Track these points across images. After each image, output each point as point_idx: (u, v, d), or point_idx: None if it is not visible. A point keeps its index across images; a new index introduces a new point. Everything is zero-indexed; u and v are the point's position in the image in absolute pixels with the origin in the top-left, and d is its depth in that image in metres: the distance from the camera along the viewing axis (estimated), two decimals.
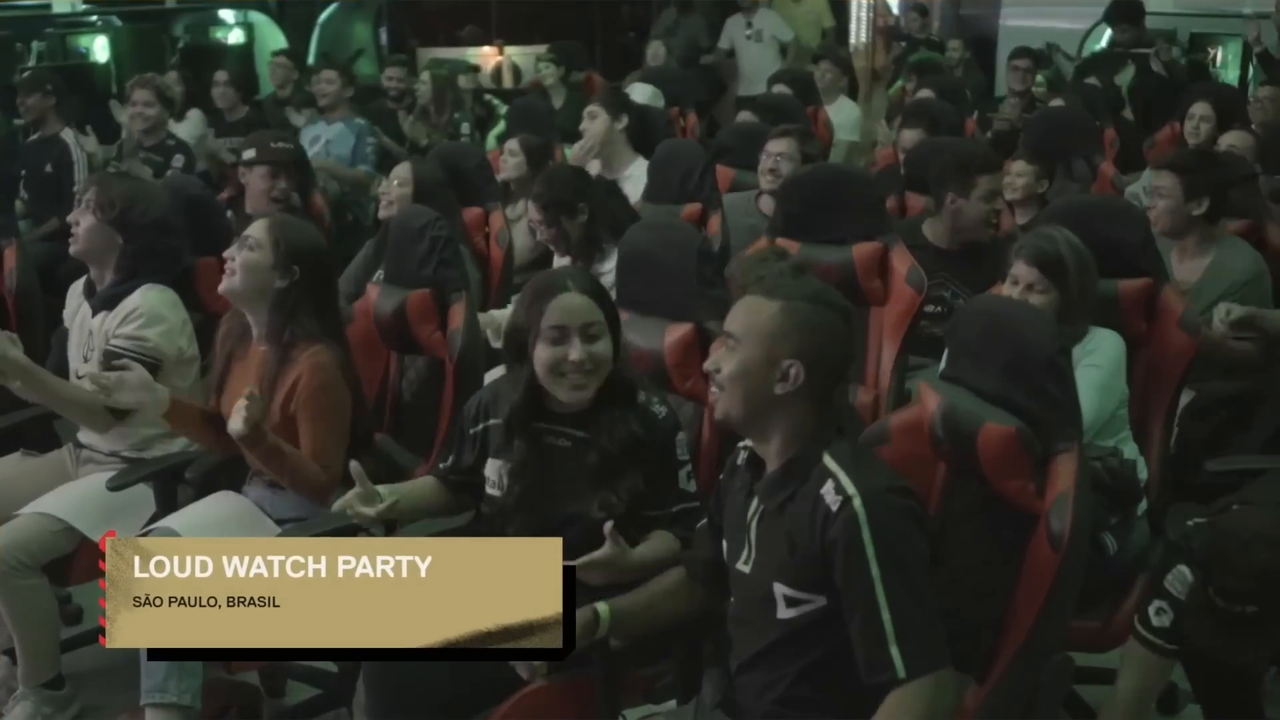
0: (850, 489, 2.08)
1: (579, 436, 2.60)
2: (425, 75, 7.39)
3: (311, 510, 3.04)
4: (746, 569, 2.23)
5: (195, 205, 3.99)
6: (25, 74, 6.95)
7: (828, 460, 2.13)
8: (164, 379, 3.21)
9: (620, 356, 2.64)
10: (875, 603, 2.04)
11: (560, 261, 4.18)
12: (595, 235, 4.03)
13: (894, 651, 2.03)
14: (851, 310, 2.29)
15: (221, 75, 7.12)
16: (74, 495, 3.23)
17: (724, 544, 2.33)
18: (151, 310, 3.35)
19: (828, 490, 2.10)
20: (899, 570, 2.04)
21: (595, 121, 5.18)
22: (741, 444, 2.35)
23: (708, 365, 2.27)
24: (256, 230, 3.12)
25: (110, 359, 3.24)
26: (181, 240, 3.54)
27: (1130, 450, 3.11)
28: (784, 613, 2.15)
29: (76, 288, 3.60)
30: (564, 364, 2.55)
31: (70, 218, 3.46)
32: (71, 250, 3.45)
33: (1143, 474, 3.11)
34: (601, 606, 2.33)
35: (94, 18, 9.82)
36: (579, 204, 4.04)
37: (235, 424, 2.87)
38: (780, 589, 2.15)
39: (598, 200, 4.09)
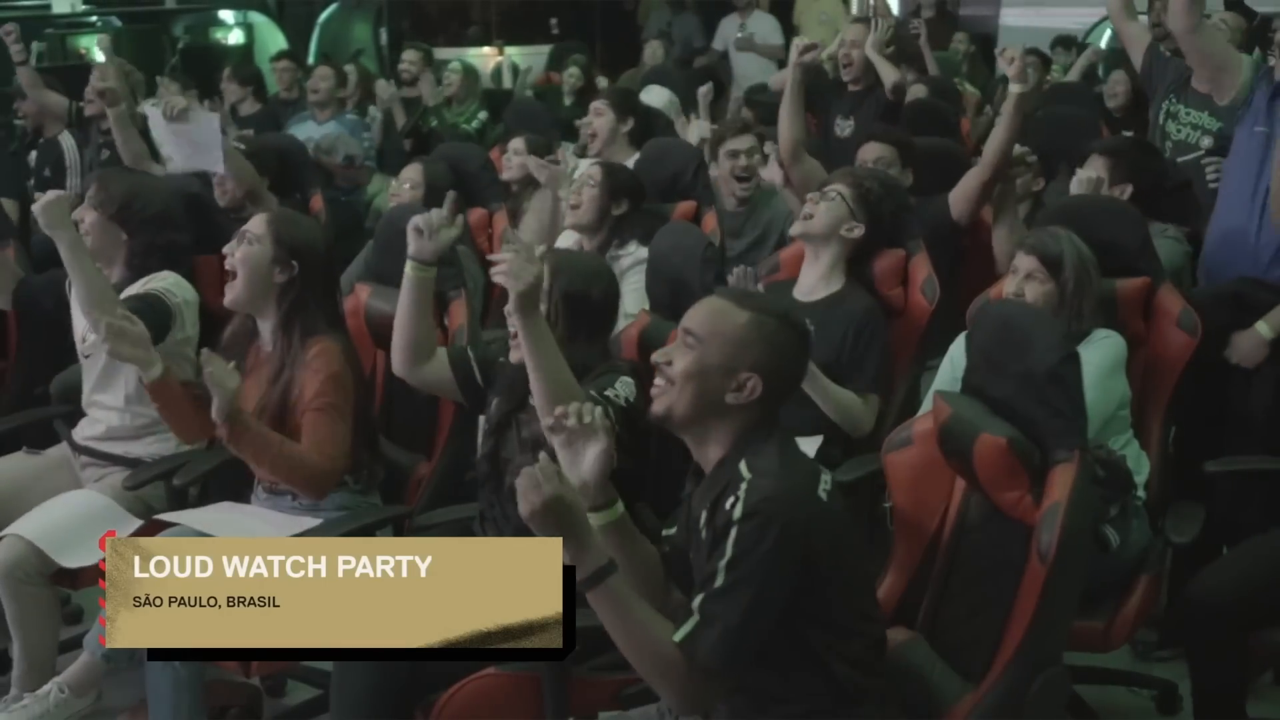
0: (742, 491, 2.08)
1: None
2: (456, 64, 7.48)
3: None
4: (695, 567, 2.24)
5: (193, 204, 3.99)
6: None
7: (742, 466, 2.14)
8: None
9: (581, 342, 2.76)
10: (711, 581, 2.06)
11: (575, 241, 4.23)
12: (620, 228, 4.10)
13: (690, 621, 2.06)
14: (811, 335, 2.32)
15: (227, 72, 7.18)
16: (50, 517, 3.21)
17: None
18: (177, 282, 3.42)
19: (733, 494, 2.10)
20: (741, 567, 2.04)
21: (601, 119, 5.14)
22: None
23: (657, 356, 2.25)
24: (255, 225, 3.13)
25: (141, 298, 3.28)
26: (184, 233, 3.55)
27: (1133, 450, 3.12)
28: None
29: None
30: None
31: (75, 215, 3.46)
32: None
33: (1144, 473, 3.12)
34: None
35: (94, 18, 9.84)
36: (625, 198, 4.11)
37: (214, 407, 2.88)
38: None
39: (637, 201, 4.18)
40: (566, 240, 4.29)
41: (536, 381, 2.57)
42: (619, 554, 2.21)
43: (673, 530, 2.37)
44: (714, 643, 2.05)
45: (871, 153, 4.42)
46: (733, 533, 2.06)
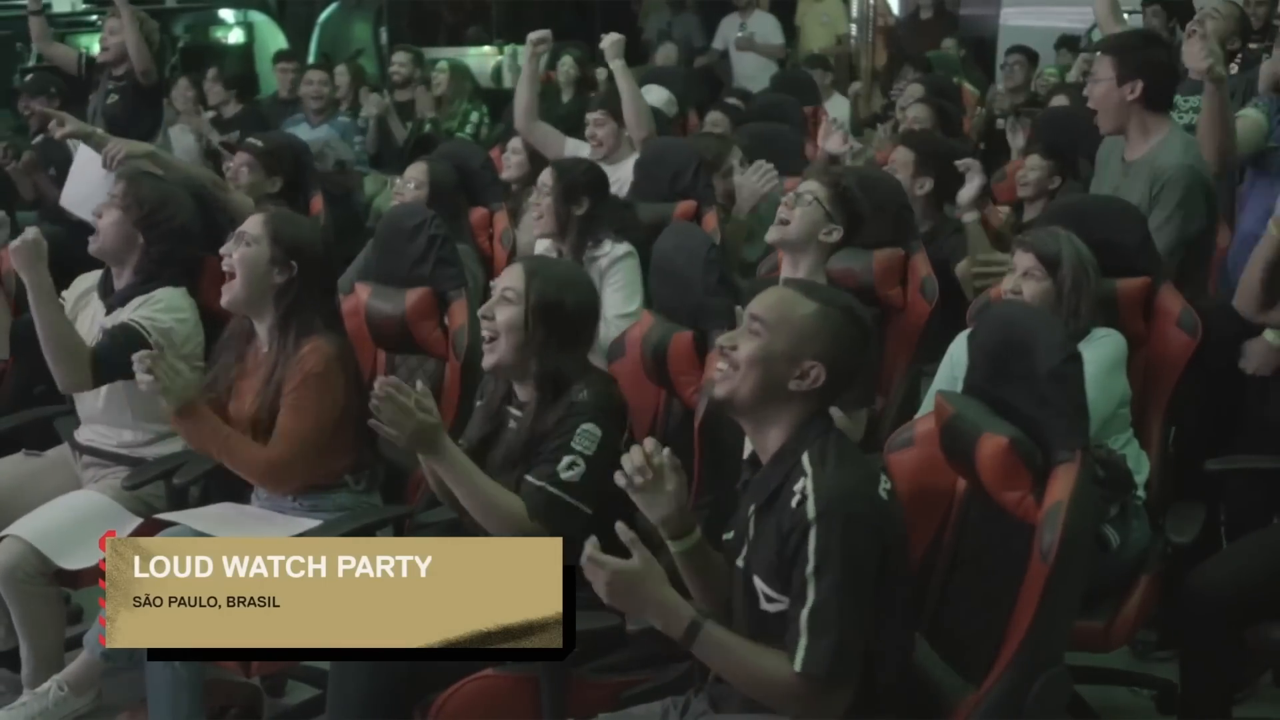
0: (809, 488, 2.11)
1: (517, 417, 2.74)
2: (443, 64, 7.46)
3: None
4: (742, 564, 2.25)
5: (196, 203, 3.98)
6: (30, 77, 6.94)
7: (804, 459, 2.17)
8: None
9: (554, 350, 2.69)
10: (804, 594, 2.08)
11: (547, 248, 4.18)
12: (589, 227, 4.01)
13: (801, 643, 2.08)
14: (872, 330, 2.34)
15: (212, 73, 7.16)
16: (50, 519, 3.21)
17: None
18: (171, 302, 3.37)
19: (797, 489, 2.13)
20: (831, 571, 2.07)
21: (603, 129, 5.14)
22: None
23: (722, 340, 2.28)
24: (252, 226, 3.11)
25: (115, 331, 3.26)
26: (202, 247, 3.53)
27: (1133, 450, 3.11)
28: (765, 606, 2.19)
29: (84, 279, 3.59)
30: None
31: (94, 211, 3.46)
32: (91, 248, 3.44)
33: (1144, 473, 3.12)
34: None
35: (94, 18, 9.82)
36: (584, 196, 4.03)
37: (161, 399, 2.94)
38: (760, 584, 2.18)
39: (599, 194, 4.11)
40: (542, 250, 4.25)
41: (471, 510, 2.60)
42: (699, 576, 2.32)
43: (730, 535, 2.37)
44: (831, 655, 2.07)
45: (898, 156, 4.39)
46: (811, 537, 2.09)
